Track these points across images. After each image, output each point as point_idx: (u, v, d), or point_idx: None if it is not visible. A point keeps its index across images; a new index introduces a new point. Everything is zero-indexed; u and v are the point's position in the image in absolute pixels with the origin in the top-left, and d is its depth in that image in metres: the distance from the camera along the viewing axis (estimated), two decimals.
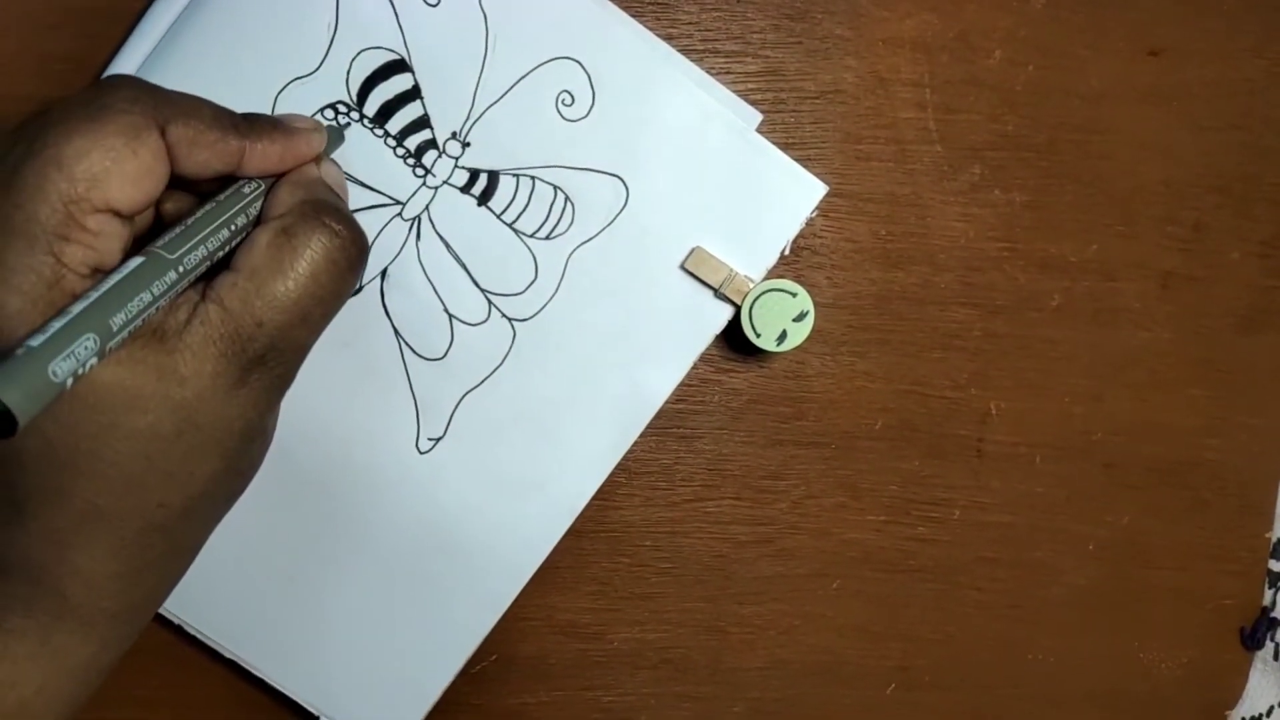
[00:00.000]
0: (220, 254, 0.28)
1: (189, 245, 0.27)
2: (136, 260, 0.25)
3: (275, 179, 0.30)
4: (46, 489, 0.26)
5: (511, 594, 0.38)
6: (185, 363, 0.26)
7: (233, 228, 0.28)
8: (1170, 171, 0.40)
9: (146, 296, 0.25)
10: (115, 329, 0.24)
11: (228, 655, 0.38)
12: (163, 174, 0.27)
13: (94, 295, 0.24)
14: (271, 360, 0.28)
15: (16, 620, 0.28)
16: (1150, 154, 0.40)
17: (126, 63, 0.35)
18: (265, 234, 0.28)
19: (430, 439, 0.37)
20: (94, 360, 0.24)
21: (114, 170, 0.25)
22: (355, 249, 0.29)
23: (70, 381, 0.23)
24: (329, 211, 0.29)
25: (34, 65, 0.36)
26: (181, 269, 0.26)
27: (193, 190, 0.30)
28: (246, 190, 0.29)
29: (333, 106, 0.35)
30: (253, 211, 0.29)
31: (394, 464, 0.37)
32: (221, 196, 0.28)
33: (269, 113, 0.35)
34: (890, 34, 0.38)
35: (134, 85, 0.27)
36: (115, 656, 0.30)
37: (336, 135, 0.34)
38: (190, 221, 0.27)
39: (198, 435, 0.27)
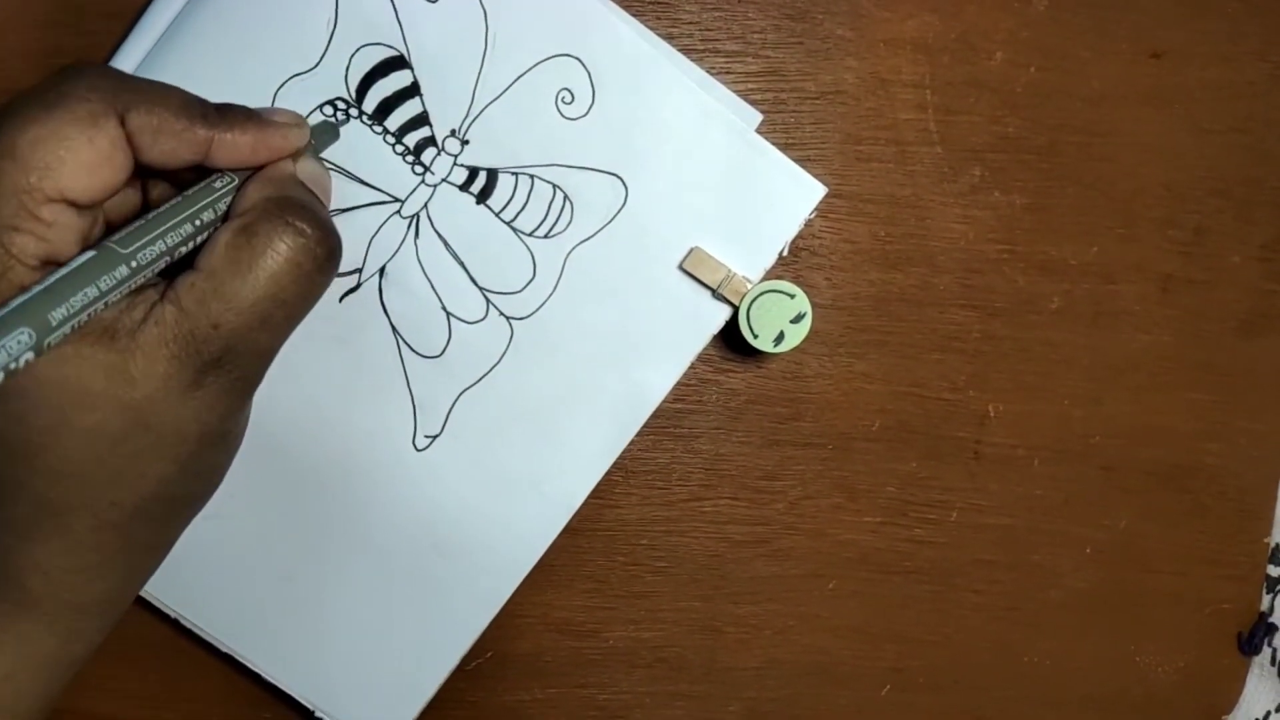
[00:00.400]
0: (183, 251, 0.27)
1: (145, 240, 0.26)
2: (87, 254, 0.25)
3: (249, 175, 0.29)
4: (2, 480, 0.26)
5: (507, 592, 0.38)
6: (136, 364, 0.25)
7: (197, 223, 0.27)
8: (1171, 174, 0.40)
9: (93, 291, 0.24)
10: (55, 323, 0.23)
11: (225, 650, 0.38)
12: (122, 163, 0.26)
13: (36, 288, 0.24)
14: (229, 364, 0.27)
15: None
16: (1151, 157, 0.40)
17: (127, 59, 0.35)
18: (226, 232, 0.27)
19: (427, 436, 0.37)
20: (29, 355, 0.23)
21: (68, 159, 0.25)
22: (322, 250, 0.28)
23: (5, 373, 0.22)
24: (295, 209, 0.28)
25: (35, 62, 0.36)
26: (135, 264, 0.25)
27: (174, 182, 0.29)
28: (218, 185, 0.28)
29: (331, 103, 0.35)
30: (222, 208, 0.28)
31: (391, 461, 0.37)
32: (190, 191, 0.28)
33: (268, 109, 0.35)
34: (891, 35, 0.38)
35: (94, 73, 0.26)
36: (85, 650, 0.30)
37: (328, 132, 0.33)
38: (151, 215, 0.26)
39: (148, 436, 0.26)
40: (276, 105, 0.35)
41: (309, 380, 0.37)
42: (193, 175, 0.29)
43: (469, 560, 0.38)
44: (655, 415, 0.38)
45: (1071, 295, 0.40)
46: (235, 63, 0.35)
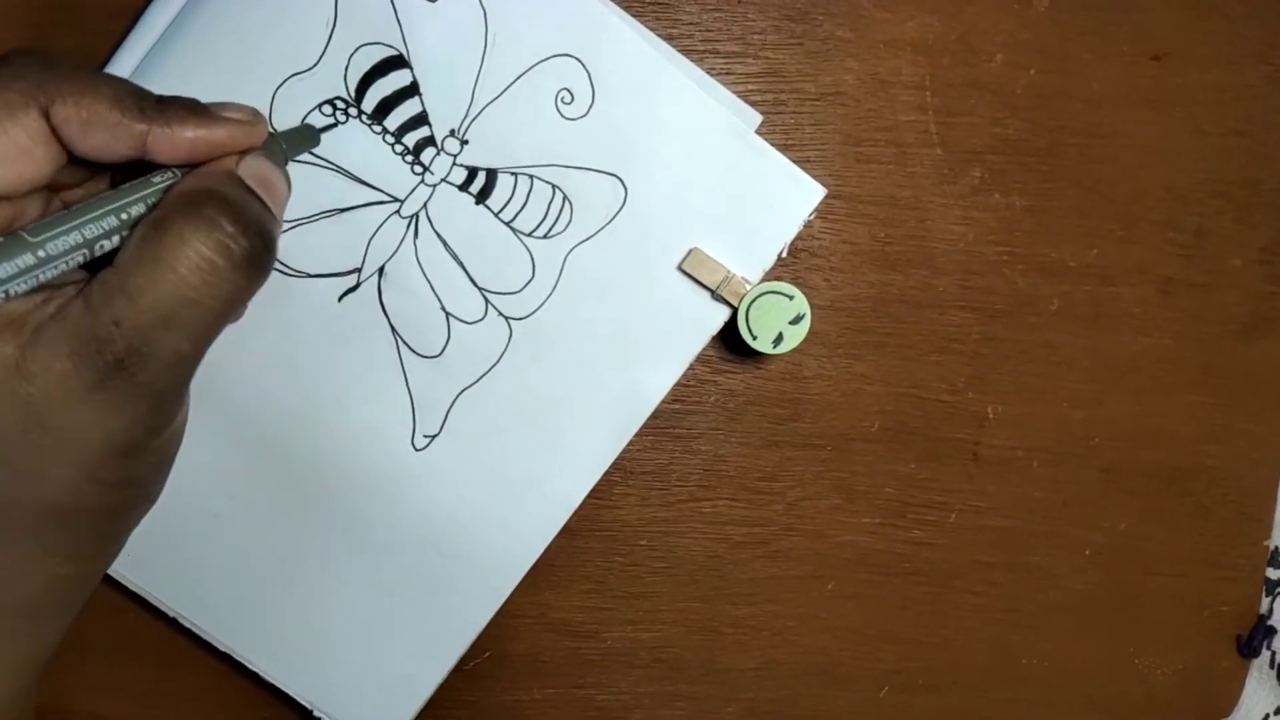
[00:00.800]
0: (106, 246, 0.26)
1: (59, 230, 0.25)
2: None
3: (189, 171, 0.27)
4: None
5: (505, 591, 0.38)
6: (34, 358, 0.24)
7: (123, 218, 0.26)
8: (1172, 177, 0.40)
9: None
10: None
11: (223, 649, 0.38)
12: (45, 156, 0.25)
13: None
14: (133, 366, 0.25)
15: None
16: (1152, 159, 0.40)
17: (126, 58, 0.35)
18: (141, 226, 0.25)
19: (426, 436, 0.37)
20: None
21: None
22: (240, 247, 0.26)
23: None
24: (214, 203, 0.26)
25: None
26: (43, 254, 0.24)
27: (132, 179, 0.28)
28: (155, 180, 0.27)
29: (330, 102, 0.35)
30: (153, 196, 0.27)
31: (390, 461, 0.37)
32: (124, 185, 0.26)
33: (267, 108, 0.35)
34: (891, 36, 0.38)
35: (20, 62, 0.26)
36: (28, 652, 0.29)
37: (307, 136, 0.32)
38: (76, 207, 0.25)
39: (46, 436, 0.25)
40: (275, 105, 0.35)
41: (308, 380, 0.37)
42: (148, 171, 0.27)
43: (467, 560, 0.38)
44: (654, 416, 0.38)
45: (1071, 297, 0.40)
46: (234, 62, 0.35)
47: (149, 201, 0.26)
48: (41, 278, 0.25)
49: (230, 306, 0.26)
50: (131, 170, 0.27)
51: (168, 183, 0.27)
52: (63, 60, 0.26)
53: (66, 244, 0.25)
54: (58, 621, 0.30)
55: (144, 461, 0.27)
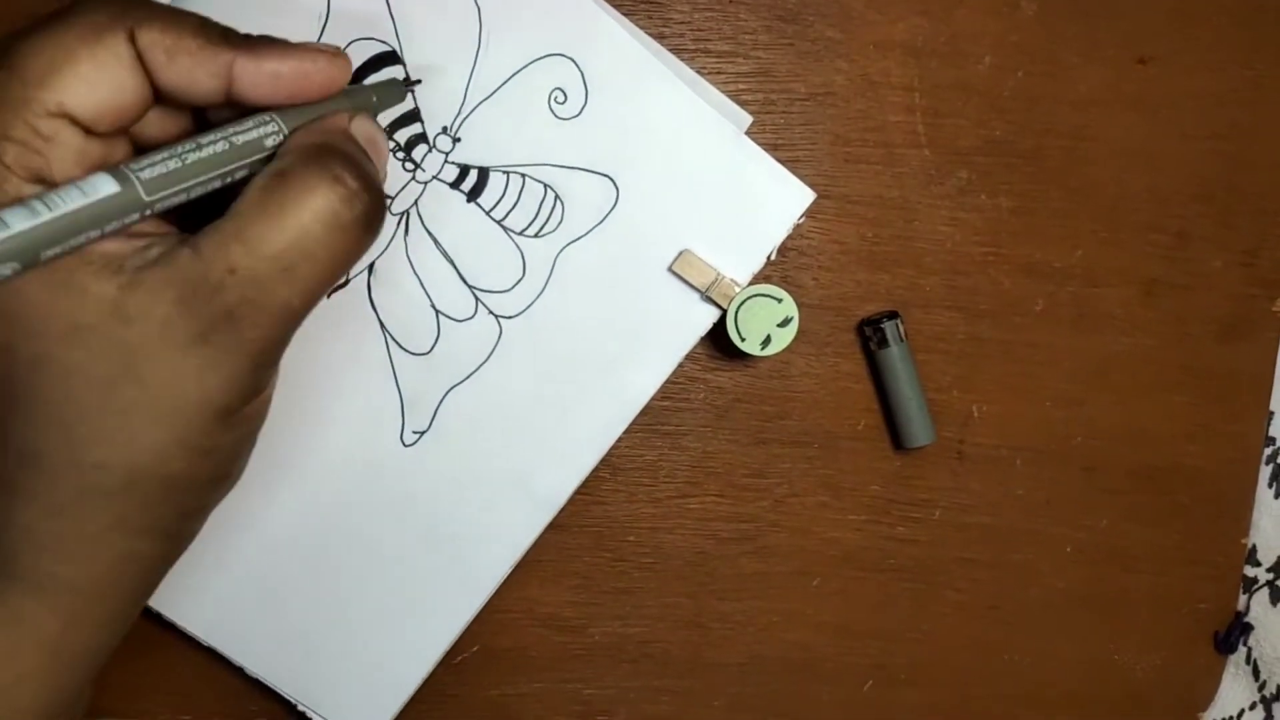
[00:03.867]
0: (215, 182, 0.25)
1: (164, 159, 0.24)
2: (96, 174, 0.23)
3: (298, 126, 0.27)
4: None
5: (491, 587, 0.38)
6: (135, 300, 0.23)
7: (232, 143, 0.25)
8: (1155, 180, 0.40)
9: (93, 204, 0.22)
10: (37, 232, 0.21)
11: (206, 644, 0.38)
12: (132, 85, 0.24)
13: (31, 198, 0.22)
14: (242, 319, 0.24)
15: None
16: (1136, 162, 0.40)
17: None
18: (261, 176, 0.25)
19: (415, 433, 0.37)
20: (14, 265, 0.21)
21: (68, 71, 0.23)
22: (363, 205, 0.25)
23: None
24: (339, 159, 0.25)
25: None
26: (147, 183, 0.23)
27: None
28: (260, 129, 0.26)
29: None
30: (263, 140, 0.26)
31: (378, 457, 0.37)
32: (227, 127, 0.25)
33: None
34: (881, 37, 0.39)
35: None
36: (95, 642, 0.28)
37: (393, 92, 0.32)
38: (179, 146, 0.24)
39: (139, 391, 0.24)
40: None
41: (296, 375, 0.36)
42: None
43: (454, 555, 0.38)
44: (643, 412, 0.38)
45: (1055, 298, 0.41)
46: None
47: (252, 145, 0.25)
48: (144, 214, 0.23)
49: (345, 265, 0.26)
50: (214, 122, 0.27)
51: (274, 133, 0.26)
52: None
53: (171, 181, 0.24)
54: (123, 609, 0.28)
55: (234, 430, 0.26)
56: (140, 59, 0.24)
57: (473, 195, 0.36)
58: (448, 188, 0.36)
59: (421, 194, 0.36)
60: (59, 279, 0.23)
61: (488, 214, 0.36)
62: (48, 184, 0.23)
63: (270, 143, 0.26)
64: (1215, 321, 0.42)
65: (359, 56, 0.35)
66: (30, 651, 0.26)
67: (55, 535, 0.25)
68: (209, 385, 0.24)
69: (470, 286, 0.37)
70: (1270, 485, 0.43)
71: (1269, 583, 0.43)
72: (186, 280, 0.23)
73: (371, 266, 0.36)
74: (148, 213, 0.24)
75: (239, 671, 0.38)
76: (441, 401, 0.37)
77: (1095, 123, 0.40)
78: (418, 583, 0.38)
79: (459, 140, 0.36)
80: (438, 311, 0.37)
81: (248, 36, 0.26)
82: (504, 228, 0.36)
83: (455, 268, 0.37)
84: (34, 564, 0.26)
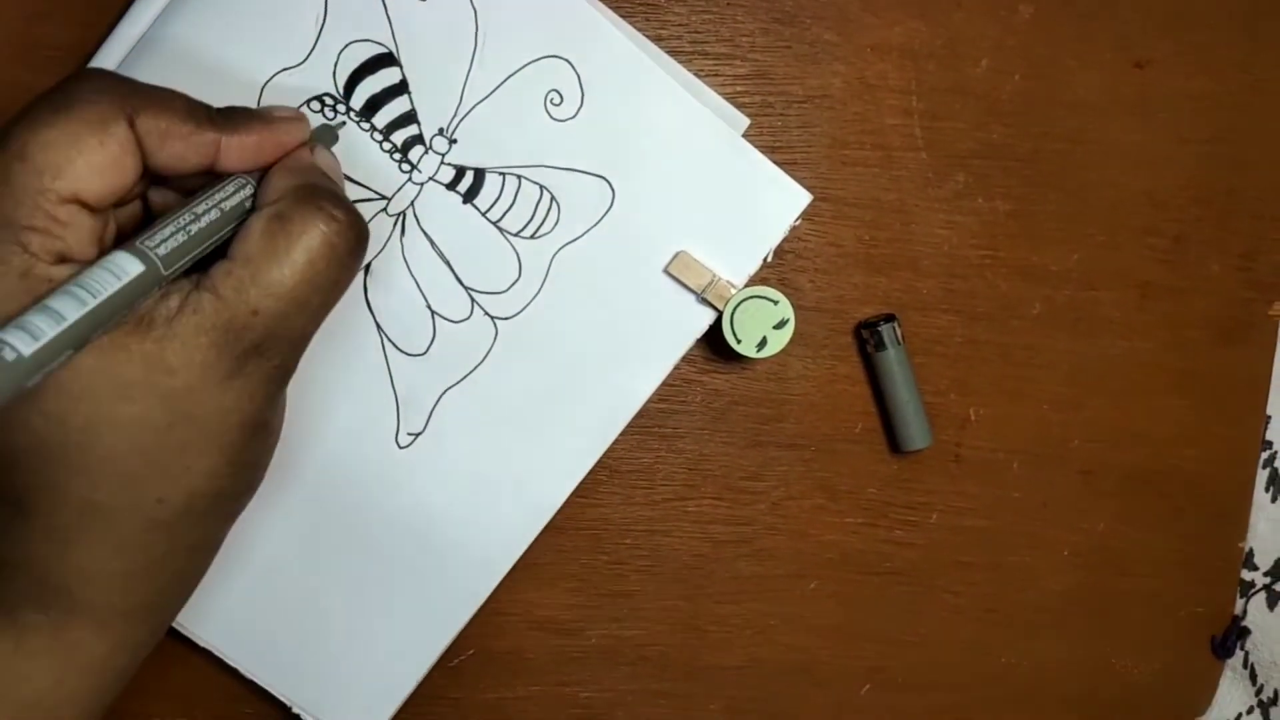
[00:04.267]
0: (210, 245, 0.27)
1: (171, 234, 0.26)
2: (116, 253, 0.25)
3: (263, 172, 0.29)
4: (43, 486, 0.26)
5: (487, 590, 0.38)
6: (174, 352, 0.25)
7: (222, 209, 0.28)
8: (1152, 183, 0.40)
9: (125, 286, 0.25)
10: (88, 318, 0.24)
11: (202, 645, 0.38)
12: (132, 166, 0.26)
13: (70, 284, 0.24)
14: (268, 350, 0.27)
15: (30, 615, 0.27)
16: (1133, 165, 0.40)
17: (114, 50, 0.35)
18: (260, 220, 0.27)
19: (410, 434, 0.37)
20: (69, 352, 0.23)
21: (79, 161, 0.25)
22: (354, 234, 0.28)
23: (39, 376, 0.23)
24: (326, 196, 0.28)
25: (22, 53, 0.36)
26: (163, 259, 0.26)
27: (179, 190, 0.29)
28: (237, 181, 0.29)
29: (319, 99, 0.35)
30: (244, 201, 0.28)
31: (373, 458, 0.37)
32: (211, 189, 0.28)
33: (255, 102, 0.35)
34: (878, 40, 0.39)
35: (103, 76, 0.27)
36: (133, 659, 0.30)
37: (327, 134, 0.33)
38: (176, 213, 0.27)
39: (191, 428, 0.26)
40: (263, 100, 0.35)
41: (293, 377, 0.36)
42: (198, 181, 0.29)
43: (450, 557, 0.38)
44: (639, 415, 0.38)
45: (1052, 301, 0.41)
46: (222, 56, 0.34)
47: (241, 202, 0.28)
48: (164, 281, 0.26)
49: (343, 288, 0.29)
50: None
51: (247, 190, 0.29)
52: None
53: (183, 249, 0.26)
54: (164, 624, 0.31)
55: (267, 440, 0.29)
56: (138, 143, 0.26)
57: (469, 196, 0.36)
58: (444, 189, 0.36)
59: (418, 195, 0.36)
60: (100, 345, 0.25)
61: (484, 215, 0.36)
62: (70, 261, 0.25)
63: (248, 201, 0.29)
64: (1212, 325, 0.42)
65: (356, 58, 0.35)
66: (78, 676, 0.28)
67: (116, 573, 0.27)
68: (246, 408, 0.27)
69: (466, 287, 0.37)
70: (1267, 489, 0.43)
71: (1266, 586, 0.43)
72: (215, 326, 0.26)
73: (368, 267, 0.36)
74: (163, 284, 0.26)
75: (234, 674, 0.38)
76: (437, 403, 0.37)
77: (1092, 126, 0.40)
78: (413, 585, 0.38)
79: (455, 142, 0.36)
80: (433, 312, 0.37)
81: (224, 112, 0.29)
82: (500, 229, 0.36)
83: (451, 269, 0.37)
84: (93, 598, 0.28)
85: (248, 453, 0.28)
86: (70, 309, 0.24)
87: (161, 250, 0.26)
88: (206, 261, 0.27)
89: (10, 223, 0.24)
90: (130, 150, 0.26)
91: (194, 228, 0.27)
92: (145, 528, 0.27)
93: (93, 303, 0.24)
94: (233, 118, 0.29)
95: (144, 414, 0.26)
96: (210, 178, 0.29)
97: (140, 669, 0.39)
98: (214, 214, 0.27)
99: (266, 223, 0.27)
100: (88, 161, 0.25)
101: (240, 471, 0.29)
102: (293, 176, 0.29)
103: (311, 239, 0.27)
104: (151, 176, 0.28)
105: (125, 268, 0.25)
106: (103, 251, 0.26)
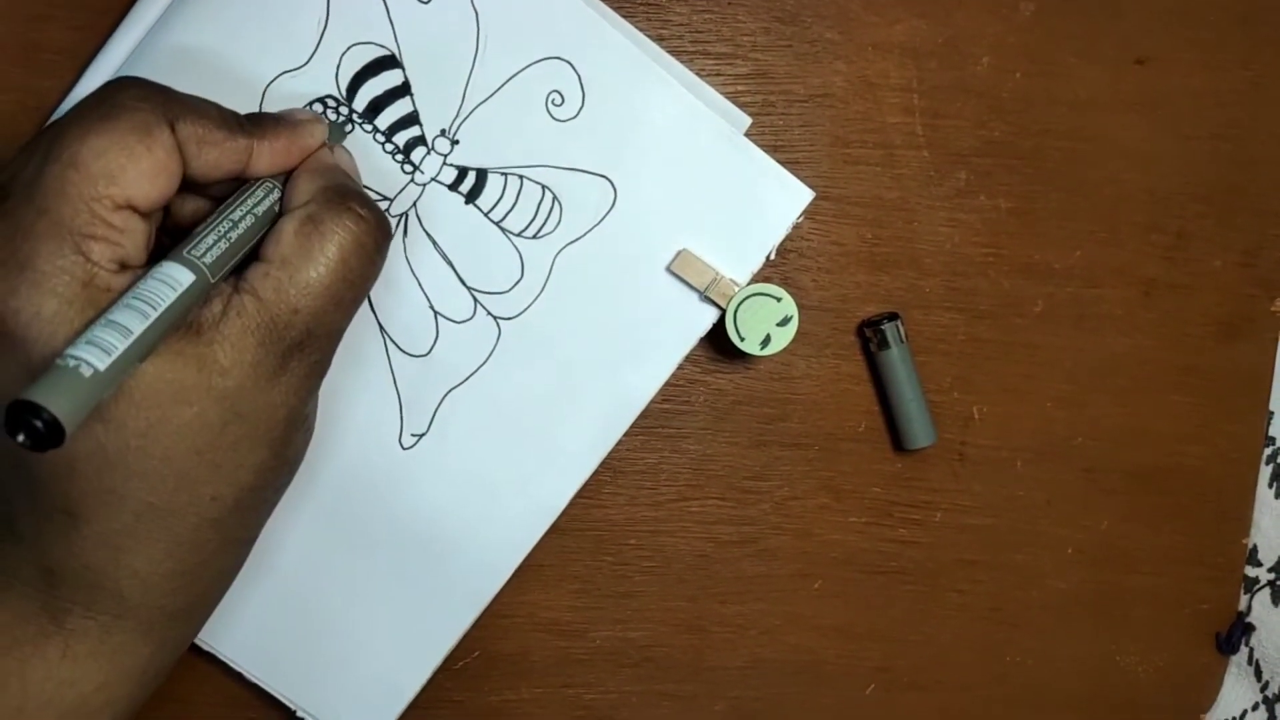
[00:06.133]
0: (246, 249, 0.28)
1: (215, 242, 0.27)
2: (166, 263, 0.26)
3: (287, 175, 0.30)
4: (100, 492, 0.26)
5: (491, 592, 0.38)
6: (225, 353, 0.26)
7: (256, 214, 0.29)
8: (1154, 180, 0.41)
9: (180, 296, 0.25)
10: (152, 330, 0.25)
11: (205, 648, 0.38)
12: (176, 171, 0.27)
13: (128, 297, 0.25)
14: (309, 346, 0.28)
15: (77, 620, 0.28)
16: (1135, 162, 0.40)
17: (115, 54, 0.35)
18: (291, 222, 0.28)
19: (413, 435, 0.37)
20: (137, 363, 0.24)
21: (130, 167, 0.26)
22: (380, 231, 0.29)
23: (113, 389, 0.24)
24: (353, 196, 0.29)
25: (23, 56, 0.36)
26: (210, 268, 0.27)
27: (202, 194, 0.30)
28: (265, 185, 0.30)
29: (322, 101, 0.35)
30: (273, 204, 0.29)
31: (376, 460, 0.37)
32: (243, 195, 0.29)
33: (257, 105, 0.35)
34: (879, 39, 0.39)
35: (141, 84, 0.27)
36: (172, 658, 0.31)
37: (336, 131, 0.34)
38: (214, 221, 0.28)
39: (243, 425, 0.27)
40: (265, 102, 0.35)
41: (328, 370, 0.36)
42: (224, 186, 0.30)
43: (454, 559, 0.38)
44: (643, 415, 0.38)
45: (1055, 299, 0.41)
46: (224, 58, 0.34)
47: (270, 206, 0.29)
48: (211, 287, 0.27)
49: (373, 282, 0.30)
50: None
51: (276, 194, 0.30)
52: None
53: (224, 254, 0.27)
54: (202, 623, 0.31)
55: (306, 434, 0.31)
56: (179, 149, 0.27)
57: (471, 197, 0.36)
58: (446, 189, 0.36)
59: (420, 196, 0.36)
60: (157, 351, 0.26)
61: (486, 215, 0.36)
62: (128, 268, 0.26)
63: (276, 205, 0.30)
64: (1215, 322, 0.42)
65: (359, 60, 0.35)
66: (122, 679, 0.29)
67: (169, 573, 0.28)
68: (291, 403, 0.28)
69: (469, 288, 0.37)
70: (1270, 485, 0.43)
71: (1270, 583, 0.43)
72: (260, 326, 0.27)
73: None
74: (216, 281, 0.27)
75: (237, 676, 0.38)
76: (440, 404, 0.37)
77: (1094, 123, 0.40)
78: (417, 587, 0.38)
79: (457, 142, 0.36)
80: (436, 313, 0.37)
81: (254, 119, 0.30)
82: (502, 229, 0.36)
83: (454, 269, 0.36)
84: (143, 602, 0.28)
85: (291, 446, 0.29)
86: (135, 322, 0.24)
87: (208, 259, 0.27)
88: (238, 266, 0.28)
89: (71, 231, 0.25)
90: (175, 156, 0.27)
91: (233, 235, 0.28)
92: (198, 525, 0.28)
93: (154, 314, 0.25)
94: (261, 123, 0.30)
95: (200, 415, 0.26)
96: (236, 183, 0.30)
97: None
98: (249, 220, 0.28)
99: (299, 224, 0.28)
100: (138, 168, 0.26)
101: (284, 464, 0.30)
102: (319, 178, 0.30)
103: (344, 238, 0.28)
104: (183, 184, 0.28)
105: (178, 278, 0.26)
106: (149, 256, 0.27)
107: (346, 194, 0.29)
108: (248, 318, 0.27)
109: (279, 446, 0.29)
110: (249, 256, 0.28)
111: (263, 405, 0.27)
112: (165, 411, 0.26)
